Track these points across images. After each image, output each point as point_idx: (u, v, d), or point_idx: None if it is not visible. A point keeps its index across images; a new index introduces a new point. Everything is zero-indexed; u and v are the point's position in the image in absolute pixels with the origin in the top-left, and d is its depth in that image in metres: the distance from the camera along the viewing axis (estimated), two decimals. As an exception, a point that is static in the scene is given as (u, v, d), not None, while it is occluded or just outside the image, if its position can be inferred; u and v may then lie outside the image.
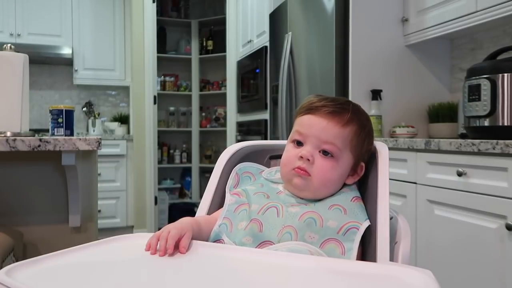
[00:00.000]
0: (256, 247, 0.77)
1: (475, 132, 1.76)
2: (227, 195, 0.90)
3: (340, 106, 0.82)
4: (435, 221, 1.64)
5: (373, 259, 0.73)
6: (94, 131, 3.94)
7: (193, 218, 0.82)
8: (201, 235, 0.80)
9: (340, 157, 0.81)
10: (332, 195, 0.83)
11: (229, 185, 0.93)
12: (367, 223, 0.77)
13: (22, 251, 1.53)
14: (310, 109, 0.83)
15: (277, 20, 2.90)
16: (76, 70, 3.99)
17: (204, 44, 4.60)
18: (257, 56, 3.25)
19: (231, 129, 3.83)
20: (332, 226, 0.76)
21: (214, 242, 0.81)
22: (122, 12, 4.11)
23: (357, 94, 2.22)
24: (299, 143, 0.84)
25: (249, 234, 0.79)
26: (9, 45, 1.53)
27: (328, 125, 0.81)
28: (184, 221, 0.77)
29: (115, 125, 4.15)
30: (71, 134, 1.65)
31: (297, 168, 0.81)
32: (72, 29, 3.96)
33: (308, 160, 0.80)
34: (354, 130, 0.82)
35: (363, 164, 0.86)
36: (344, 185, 0.86)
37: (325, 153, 0.81)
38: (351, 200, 0.81)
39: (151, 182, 3.89)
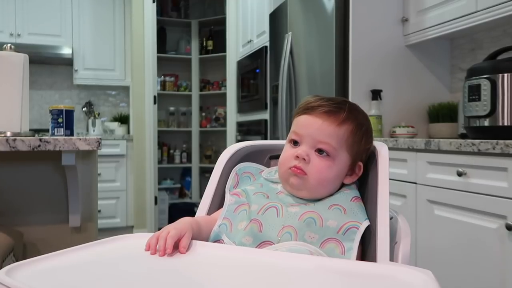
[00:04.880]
0: (255, 247, 0.77)
1: (475, 132, 1.76)
2: (227, 195, 0.90)
3: (336, 106, 0.83)
4: (435, 221, 1.64)
5: (373, 259, 0.73)
6: (94, 131, 3.94)
7: (193, 218, 0.82)
8: (201, 235, 0.80)
9: (336, 156, 0.81)
10: (332, 195, 0.83)
11: (228, 185, 0.93)
12: (366, 223, 0.77)
13: (22, 251, 1.53)
14: (307, 109, 0.84)
15: (277, 20, 2.90)
16: (76, 70, 3.99)
17: (204, 44, 4.59)
18: (257, 56, 3.25)
19: (231, 129, 3.83)
20: (332, 225, 0.76)
21: (214, 242, 0.81)
22: (122, 12, 4.10)
23: (357, 94, 2.22)
24: (295, 143, 0.84)
25: (249, 234, 0.79)
26: (9, 45, 1.53)
27: (323, 124, 0.81)
28: (184, 221, 0.77)
29: (115, 125, 4.15)
30: (71, 134, 1.65)
31: (293, 167, 0.82)
32: (72, 29, 3.96)
33: (304, 159, 0.81)
34: (350, 129, 0.82)
35: (361, 163, 0.86)
36: (343, 185, 0.86)
37: (320, 152, 0.81)
38: (350, 200, 0.81)
39: (151, 182, 3.89)
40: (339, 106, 0.83)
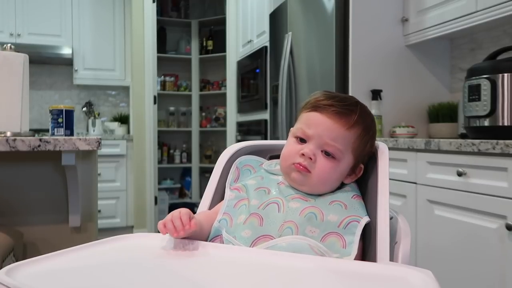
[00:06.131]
0: (254, 240, 0.77)
1: (475, 132, 1.76)
2: (227, 190, 0.90)
3: (347, 108, 0.82)
4: (435, 221, 1.64)
5: (373, 259, 0.73)
6: (94, 131, 3.94)
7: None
8: (202, 231, 0.80)
9: (341, 159, 0.81)
10: (333, 192, 0.83)
11: (229, 180, 0.93)
12: (367, 218, 0.78)
13: (22, 251, 1.53)
14: (317, 107, 0.83)
15: (277, 20, 2.90)
16: (76, 70, 3.99)
17: (204, 44, 4.59)
18: (257, 56, 3.25)
19: (231, 129, 3.83)
20: (333, 220, 0.77)
21: (214, 237, 0.81)
22: (122, 12, 4.10)
23: (357, 94, 2.22)
24: (302, 140, 0.84)
25: (249, 227, 0.79)
26: (9, 45, 1.53)
27: (333, 126, 0.81)
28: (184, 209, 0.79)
29: (115, 125, 4.15)
30: (71, 134, 1.65)
31: (297, 164, 0.82)
32: (72, 29, 3.96)
33: (310, 158, 0.81)
34: (358, 133, 0.82)
35: (362, 166, 0.86)
36: (343, 184, 0.86)
37: (327, 153, 0.81)
38: (351, 197, 0.82)
39: (151, 182, 3.89)
40: (351, 109, 0.82)
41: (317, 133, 0.81)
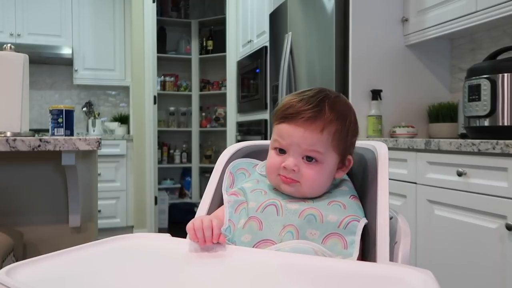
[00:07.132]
0: (255, 245, 0.77)
1: (475, 132, 1.76)
2: (225, 196, 0.89)
3: (315, 110, 0.79)
4: (435, 221, 1.64)
5: (373, 259, 0.73)
6: (94, 131, 3.94)
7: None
8: None
9: (324, 160, 0.80)
10: (330, 192, 0.83)
11: (224, 186, 0.93)
12: (365, 220, 0.78)
13: (22, 251, 1.53)
14: (285, 118, 0.81)
15: (277, 20, 2.90)
16: (76, 70, 3.99)
17: (204, 44, 4.60)
18: (257, 56, 3.25)
19: (231, 129, 3.83)
20: (333, 220, 0.77)
21: None
22: (122, 12, 4.11)
23: (357, 94, 2.22)
24: (281, 151, 0.83)
25: (248, 232, 0.79)
26: (9, 45, 1.53)
27: (306, 133, 0.79)
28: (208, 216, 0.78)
29: (115, 125, 4.15)
30: (71, 134, 1.65)
31: (283, 177, 0.81)
32: (72, 29, 3.96)
33: (293, 170, 0.80)
34: (334, 130, 0.80)
35: (350, 157, 0.85)
36: (340, 181, 0.86)
37: (308, 159, 0.80)
38: (349, 198, 0.82)
39: (151, 182, 3.89)
40: (319, 109, 0.79)
41: (293, 143, 0.80)
